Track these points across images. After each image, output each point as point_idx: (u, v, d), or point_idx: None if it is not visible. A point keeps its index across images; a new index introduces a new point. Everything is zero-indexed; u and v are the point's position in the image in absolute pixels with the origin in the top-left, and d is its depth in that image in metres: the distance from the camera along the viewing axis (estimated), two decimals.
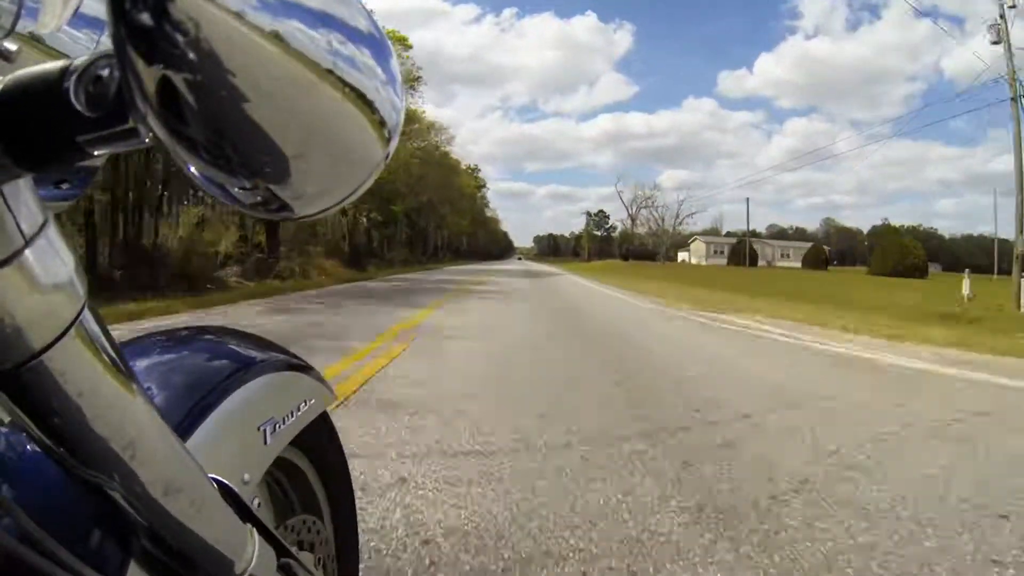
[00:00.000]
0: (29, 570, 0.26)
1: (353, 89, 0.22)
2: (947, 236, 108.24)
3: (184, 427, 0.41)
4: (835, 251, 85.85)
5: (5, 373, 0.23)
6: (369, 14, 0.23)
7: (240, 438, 0.46)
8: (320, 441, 0.65)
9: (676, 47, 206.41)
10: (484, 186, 70.63)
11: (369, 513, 1.49)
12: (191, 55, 0.18)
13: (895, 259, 34.67)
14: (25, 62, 0.23)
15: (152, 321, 5.39)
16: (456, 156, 44.63)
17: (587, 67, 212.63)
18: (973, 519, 1.53)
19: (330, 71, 0.21)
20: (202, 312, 6.57)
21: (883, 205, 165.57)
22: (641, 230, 76.87)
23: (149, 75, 0.18)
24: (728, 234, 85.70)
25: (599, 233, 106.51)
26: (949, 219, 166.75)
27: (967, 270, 11.78)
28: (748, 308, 8.41)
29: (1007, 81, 12.76)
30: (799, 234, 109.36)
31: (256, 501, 0.52)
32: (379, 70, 0.23)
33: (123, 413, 0.28)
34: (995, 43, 13.06)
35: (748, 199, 56.78)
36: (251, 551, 0.39)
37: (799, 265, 56.82)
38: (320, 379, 0.61)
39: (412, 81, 20.59)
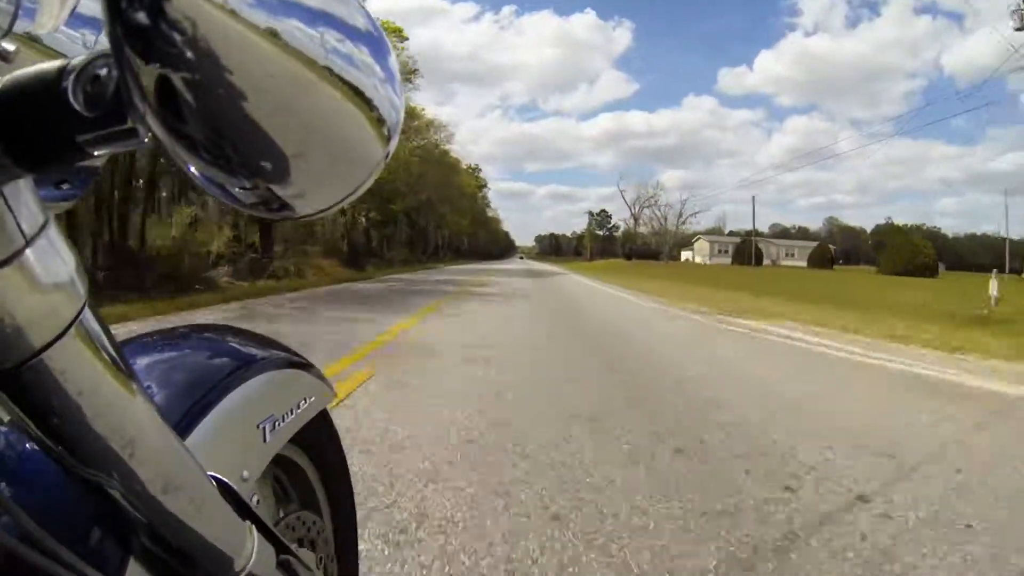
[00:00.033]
0: (29, 569, 0.26)
1: (352, 87, 0.22)
2: (950, 235, 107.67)
3: (183, 425, 0.41)
4: (839, 250, 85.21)
5: (5, 372, 0.23)
6: (367, 12, 0.23)
7: (239, 436, 0.46)
8: (320, 439, 0.64)
9: (676, 44, 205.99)
10: (485, 186, 70.21)
11: None
12: (188, 54, 0.18)
13: (905, 258, 34.05)
14: (23, 62, 0.23)
15: None
16: (456, 155, 44.15)
17: (587, 65, 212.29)
18: None
19: (328, 69, 0.21)
20: (159, 319, 5.45)
21: (884, 204, 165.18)
22: (644, 229, 76.34)
23: (147, 74, 0.18)
24: (731, 233, 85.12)
25: (601, 232, 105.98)
26: (950, 218, 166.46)
27: (995, 270, 11.19)
28: (774, 313, 7.80)
29: None
30: (802, 233, 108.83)
31: (255, 498, 0.50)
32: (378, 68, 0.23)
33: (123, 412, 0.28)
34: (1019, 29, 12.48)
35: (754, 197, 56.41)
36: (250, 548, 0.39)
37: (804, 264, 56.21)
38: (320, 377, 0.61)
39: (409, 74, 20.18)
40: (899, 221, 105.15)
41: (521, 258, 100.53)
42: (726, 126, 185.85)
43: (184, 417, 0.41)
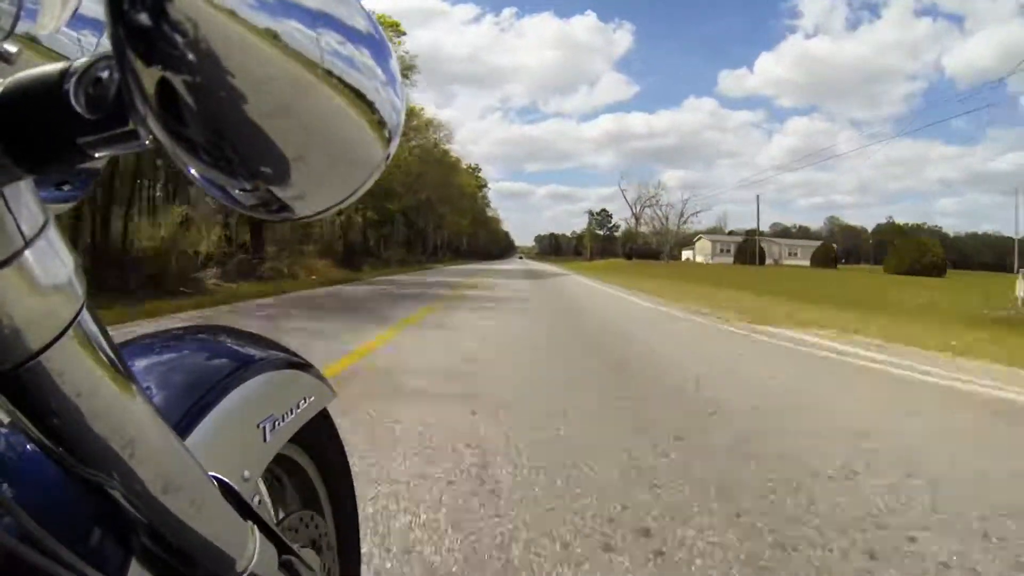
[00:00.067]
0: (30, 569, 0.26)
1: (353, 90, 0.22)
2: (951, 234, 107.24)
3: (183, 426, 0.41)
4: (841, 249, 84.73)
5: (4, 373, 0.23)
6: (368, 14, 0.23)
7: (239, 436, 0.46)
8: (320, 438, 0.64)
9: (676, 46, 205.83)
10: (485, 185, 69.67)
11: None
12: (190, 56, 0.18)
13: (912, 257, 33.45)
14: (25, 64, 0.23)
15: None
16: (456, 154, 43.58)
17: (587, 67, 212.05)
18: None
19: (329, 72, 0.21)
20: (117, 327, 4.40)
21: (884, 204, 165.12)
22: (645, 229, 75.74)
23: (148, 76, 0.18)
24: (731, 233, 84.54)
25: (601, 232, 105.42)
26: (950, 218, 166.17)
27: (1021, 270, 10.60)
28: (806, 320, 6.73)
29: None
30: (802, 232, 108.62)
31: (256, 498, 0.51)
32: (379, 70, 0.23)
33: (122, 412, 0.28)
34: None
35: (758, 196, 55.90)
36: (252, 548, 0.38)
37: (807, 264, 55.64)
38: (320, 377, 0.61)
39: (406, 69, 19.60)
40: (900, 221, 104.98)
41: (520, 258, 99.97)
42: (726, 127, 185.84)
43: (184, 417, 0.41)
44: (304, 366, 0.59)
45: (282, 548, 0.43)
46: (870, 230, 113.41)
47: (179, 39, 0.18)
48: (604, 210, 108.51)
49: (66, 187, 0.30)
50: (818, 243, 69.29)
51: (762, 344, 5.08)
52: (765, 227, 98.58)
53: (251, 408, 0.47)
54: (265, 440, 0.48)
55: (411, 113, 24.96)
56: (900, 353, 4.57)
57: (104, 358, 0.26)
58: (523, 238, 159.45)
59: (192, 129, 0.19)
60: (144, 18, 0.17)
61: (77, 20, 0.30)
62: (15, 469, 0.32)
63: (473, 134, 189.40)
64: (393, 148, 0.25)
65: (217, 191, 0.22)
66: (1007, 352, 4.48)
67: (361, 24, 0.22)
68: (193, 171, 0.21)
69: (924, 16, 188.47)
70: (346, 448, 0.70)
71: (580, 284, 16.20)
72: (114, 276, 8.25)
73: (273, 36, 0.19)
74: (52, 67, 0.23)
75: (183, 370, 0.46)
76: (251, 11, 0.19)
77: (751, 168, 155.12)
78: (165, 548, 0.33)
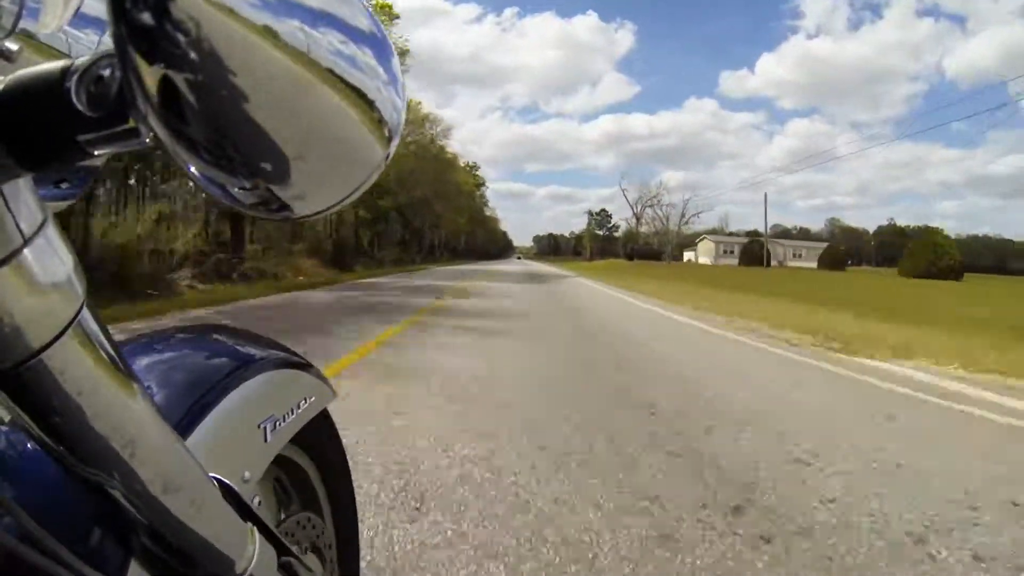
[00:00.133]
0: (30, 569, 0.26)
1: (354, 89, 0.22)
2: (952, 237, 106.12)
3: (184, 425, 0.40)
4: (842, 251, 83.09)
5: (4, 372, 0.23)
6: (370, 14, 0.23)
7: (240, 436, 0.45)
8: (320, 438, 0.63)
9: (678, 47, 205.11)
10: (483, 184, 68.28)
11: None
12: (192, 55, 0.18)
13: (928, 260, 32.16)
14: (26, 62, 0.23)
15: None
16: (453, 150, 42.12)
17: (588, 67, 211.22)
18: None
19: (331, 71, 0.21)
20: None
21: (883, 206, 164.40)
22: (646, 229, 74.35)
23: (150, 75, 0.18)
24: (731, 234, 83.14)
25: (601, 232, 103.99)
26: (949, 220, 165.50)
27: None
28: (887, 341, 5.09)
29: None
30: (803, 234, 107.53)
31: (256, 499, 0.50)
32: (380, 70, 0.23)
33: (123, 412, 0.27)
34: None
35: (765, 195, 54.53)
36: (252, 550, 0.38)
37: (813, 265, 54.29)
38: (320, 377, 0.60)
39: (400, 55, 17.93)
40: (901, 223, 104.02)
41: (519, 258, 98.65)
42: (727, 128, 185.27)
43: (184, 417, 0.41)
44: (305, 366, 0.58)
45: (281, 550, 0.43)
46: (871, 232, 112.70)
47: (181, 38, 0.18)
48: (604, 210, 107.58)
49: (64, 185, 0.30)
50: (821, 244, 68.17)
51: (884, 395, 3.25)
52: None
53: (252, 408, 0.47)
54: (266, 441, 0.47)
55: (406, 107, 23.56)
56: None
57: (105, 357, 0.26)
58: (522, 238, 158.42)
59: (193, 127, 0.19)
60: (146, 17, 0.17)
61: (79, 18, 0.30)
62: (15, 468, 0.32)
63: (473, 134, 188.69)
64: (393, 148, 0.25)
65: (217, 189, 0.22)
66: None
67: (363, 23, 0.22)
68: (193, 169, 0.21)
69: (926, 17, 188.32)
70: None
71: (587, 289, 13.70)
72: None
73: (274, 35, 0.19)
74: (54, 65, 0.23)
75: (184, 369, 0.45)
76: (253, 10, 0.19)
77: (751, 169, 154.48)
78: (165, 548, 0.32)
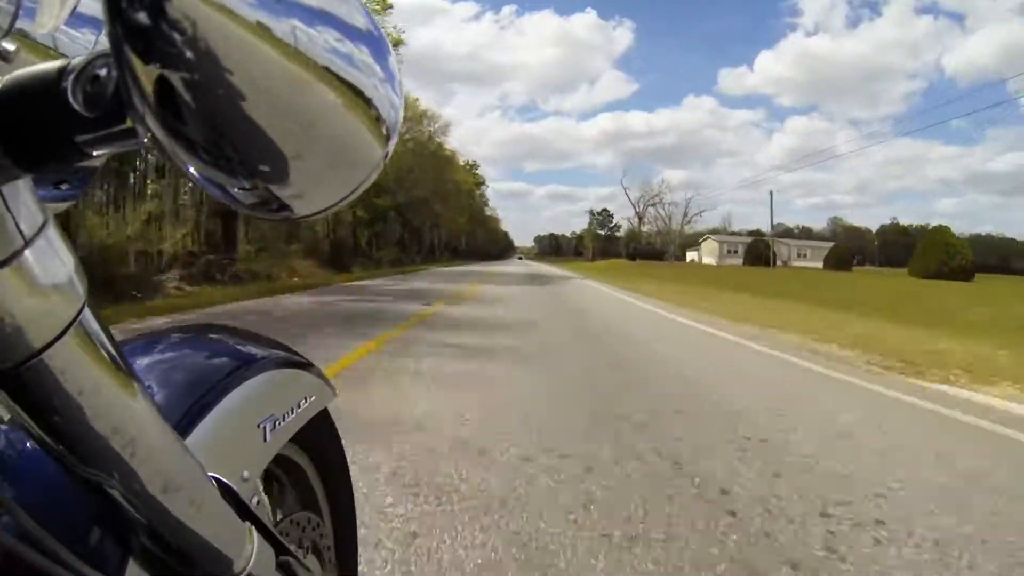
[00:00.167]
0: (29, 568, 0.26)
1: (351, 87, 0.22)
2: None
3: (183, 425, 0.40)
4: (848, 251, 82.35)
5: (5, 372, 0.23)
6: (367, 12, 0.23)
7: (239, 435, 0.45)
8: (320, 438, 0.63)
9: (676, 44, 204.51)
10: (483, 183, 67.61)
11: None
12: (188, 54, 0.18)
13: (939, 259, 31.32)
14: (23, 62, 0.23)
15: None
16: (451, 148, 41.41)
17: (587, 65, 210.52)
18: None
19: (328, 69, 0.21)
20: None
21: (883, 204, 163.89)
22: (648, 228, 73.67)
23: (146, 74, 0.18)
24: (732, 233, 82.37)
25: (602, 232, 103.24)
26: (948, 218, 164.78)
27: None
28: (944, 359, 4.45)
29: None
30: (805, 233, 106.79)
31: (255, 499, 0.49)
32: (377, 68, 0.23)
33: (123, 411, 0.27)
34: None
35: (772, 192, 53.79)
36: (250, 549, 0.38)
37: (818, 265, 53.45)
38: (321, 376, 0.60)
39: (394, 43, 17.33)
40: (902, 221, 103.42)
41: (520, 258, 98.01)
42: (726, 126, 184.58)
43: (184, 417, 0.41)
44: (305, 365, 0.58)
45: (280, 549, 0.43)
46: (872, 230, 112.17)
47: (177, 37, 0.17)
48: (605, 210, 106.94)
49: (64, 186, 0.30)
50: (825, 244, 67.33)
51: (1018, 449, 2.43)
52: (766, 227, 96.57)
53: (252, 408, 0.46)
54: (265, 440, 0.47)
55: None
56: None
57: (105, 357, 0.26)
58: (522, 238, 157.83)
59: (190, 127, 0.19)
60: (142, 16, 0.17)
61: (75, 18, 0.30)
62: (15, 468, 0.32)
63: (472, 133, 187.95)
64: (392, 146, 0.24)
65: (216, 189, 0.22)
66: None
67: (359, 21, 0.22)
68: (192, 169, 0.21)
69: (925, 14, 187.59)
70: None
71: (595, 293, 12.54)
72: None
73: (271, 33, 0.19)
74: (50, 65, 0.23)
75: (184, 369, 0.45)
76: (249, 8, 0.18)
77: (751, 168, 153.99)
78: (163, 548, 0.32)
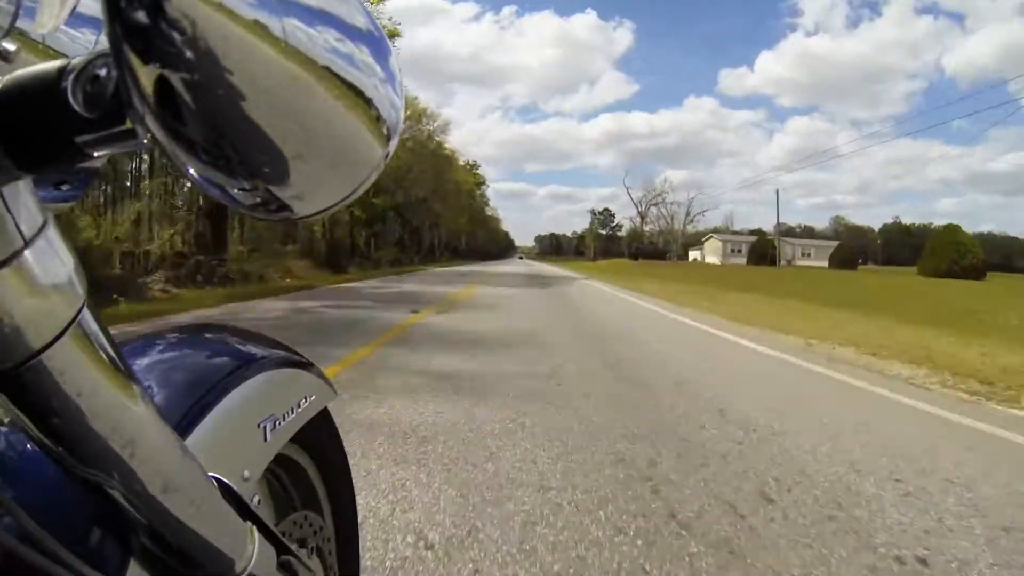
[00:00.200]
0: (29, 569, 0.26)
1: (352, 87, 0.21)
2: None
3: (184, 425, 0.40)
4: (853, 250, 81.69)
5: (4, 373, 0.22)
6: (367, 12, 0.23)
7: (240, 435, 0.45)
8: (320, 438, 0.63)
9: (677, 45, 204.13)
10: (483, 183, 66.96)
11: None
12: (188, 54, 0.18)
13: (950, 259, 30.62)
14: (23, 62, 0.23)
15: None
16: (451, 147, 40.76)
17: (588, 66, 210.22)
18: None
19: (328, 69, 0.21)
20: None
21: (883, 204, 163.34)
22: (650, 228, 73.01)
23: (146, 74, 0.18)
24: (734, 232, 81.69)
25: (603, 232, 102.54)
26: (948, 218, 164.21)
27: None
28: None
29: None
30: (807, 232, 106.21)
31: (256, 498, 0.49)
32: (378, 68, 0.23)
33: (122, 412, 0.27)
34: None
35: (777, 191, 53.07)
36: (251, 549, 0.38)
37: (823, 264, 52.73)
38: (321, 376, 0.59)
39: (390, 35, 16.60)
40: (905, 220, 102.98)
41: (521, 258, 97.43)
42: (727, 127, 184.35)
43: (184, 417, 0.40)
44: (305, 365, 0.57)
45: (281, 549, 0.42)
46: (874, 229, 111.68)
47: (177, 37, 0.17)
48: (607, 209, 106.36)
49: (65, 187, 0.29)
50: (828, 243, 66.68)
51: None
52: (768, 227, 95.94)
53: (252, 407, 0.46)
54: (265, 440, 0.47)
55: None
56: None
57: (105, 357, 0.26)
58: (523, 238, 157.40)
59: (190, 127, 0.19)
60: (141, 16, 0.17)
61: (75, 18, 0.30)
62: (15, 469, 0.32)
63: (473, 134, 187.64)
64: (392, 147, 0.24)
65: (215, 190, 0.21)
66: None
67: (360, 21, 0.22)
68: (192, 170, 0.21)
69: (925, 14, 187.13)
70: None
71: (601, 295, 11.25)
72: None
73: (271, 33, 0.19)
74: (50, 65, 0.22)
75: (184, 369, 0.45)
76: (249, 8, 0.18)
77: (752, 168, 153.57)
78: (164, 548, 0.32)
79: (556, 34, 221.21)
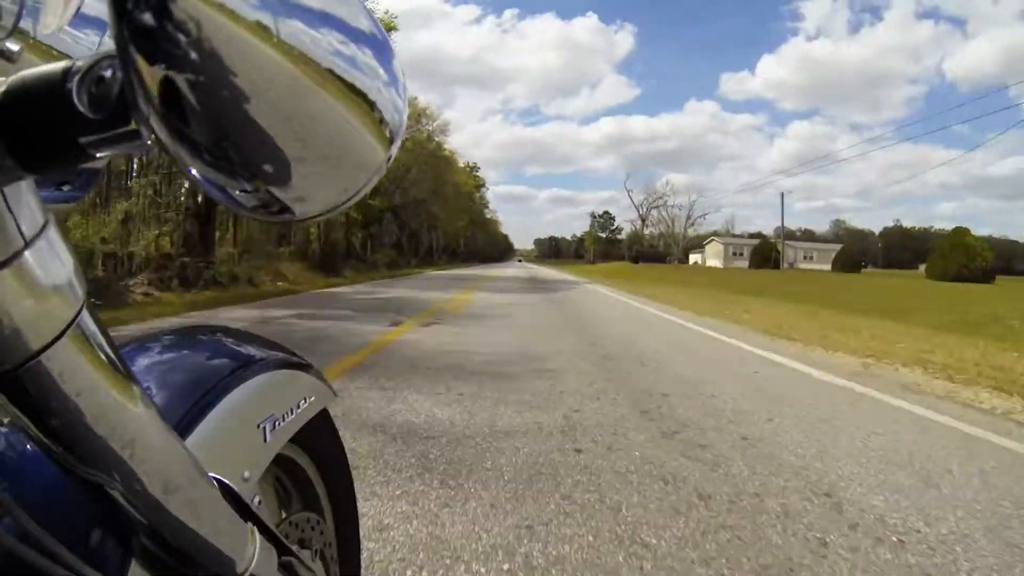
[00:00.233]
0: (30, 569, 0.25)
1: (354, 90, 0.22)
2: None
3: (183, 426, 0.40)
4: (856, 254, 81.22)
5: (4, 373, 0.22)
6: (370, 14, 0.23)
7: (240, 436, 0.45)
8: (320, 438, 0.63)
9: (678, 48, 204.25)
10: (483, 185, 66.36)
11: None
12: (193, 55, 0.18)
13: (959, 262, 30.11)
14: (27, 63, 0.23)
15: None
16: (451, 148, 40.13)
17: (589, 69, 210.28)
18: None
19: (331, 71, 0.21)
20: None
21: (883, 208, 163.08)
22: (651, 231, 72.48)
23: (151, 76, 0.18)
24: (736, 235, 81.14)
25: (603, 235, 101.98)
26: (948, 222, 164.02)
27: None
28: None
29: None
30: (808, 236, 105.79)
31: (256, 499, 0.49)
32: (381, 71, 0.23)
33: (122, 412, 0.27)
34: None
35: (783, 194, 52.50)
36: (252, 549, 0.38)
37: (826, 268, 52.18)
38: (320, 377, 0.59)
39: (387, 29, 15.99)
40: (906, 224, 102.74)
41: (520, 261, 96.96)
42: (728, 130, 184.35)
43: (184, 417, 0.40)
44: (304, 366, 0.57)
45: (282, 549, 0.42)
46: (875, 233, 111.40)
47: (182, 38, 0.17)
48: (607, 212, 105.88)
49: (66, 187, 0.29)
50: (830, 246, 66.15)
51: None
52: (768, 231, 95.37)
53: (251, 408, 0.46)
54: (265, 440, 0.47)
55: None
56: None
57: (104, 358, 0.26)
58: (522, 241, 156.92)
59: (194, 129, 0.19)
60: (147, 17, 0.17)
61: (80, 19, 0.30)
62: (15, 469, 0.32)
63: (474, 137, 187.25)
64: (395, 149, 0.24)
65: (218, 192, 0.22)
66: None
67: (363, 24, 0.22)
68: (194, 171, 0.21)
69: (926, 19, 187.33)
70: None
71: (609, 303, 10.07)
72: None
73: (275, 36, 0.19)
74: (55, 66, 0.22)
75: (183, 370, 0.45)
76: (254, 11, 0.18)
77: (752, 171, 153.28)
78: (165, 549, 0.32)
79: (557, 37, 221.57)
